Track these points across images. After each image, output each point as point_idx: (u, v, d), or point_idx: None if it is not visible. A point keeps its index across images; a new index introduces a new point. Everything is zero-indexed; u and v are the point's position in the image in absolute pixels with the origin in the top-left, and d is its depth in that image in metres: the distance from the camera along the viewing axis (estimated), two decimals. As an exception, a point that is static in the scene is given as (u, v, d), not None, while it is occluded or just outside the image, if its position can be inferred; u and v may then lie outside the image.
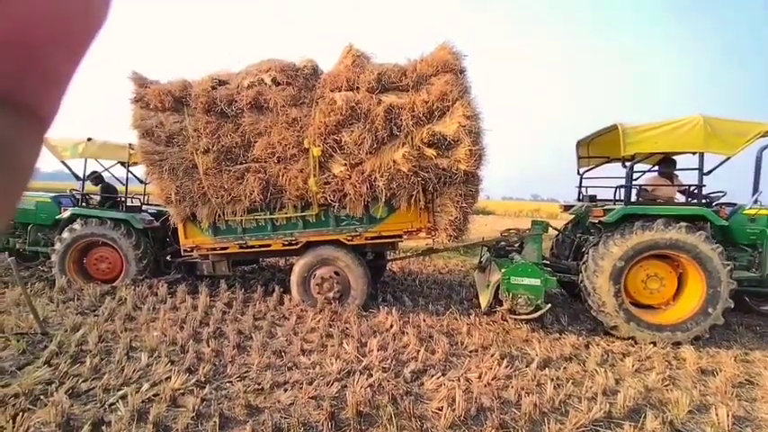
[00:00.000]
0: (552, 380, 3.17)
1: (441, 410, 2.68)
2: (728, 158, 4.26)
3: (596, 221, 4.70)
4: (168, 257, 6.20)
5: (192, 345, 3.62)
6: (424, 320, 4.51)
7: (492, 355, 3.60)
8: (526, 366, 3.46)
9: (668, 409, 2.82)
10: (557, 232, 5.86)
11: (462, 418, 2.64)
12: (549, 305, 4.18)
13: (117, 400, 2.70)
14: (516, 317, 4.23)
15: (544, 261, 5.04)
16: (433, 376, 3.20)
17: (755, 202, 4.41)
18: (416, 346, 3.74)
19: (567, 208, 5.80)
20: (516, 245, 5.40)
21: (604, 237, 4.34)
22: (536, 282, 4.11)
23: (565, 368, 3.47)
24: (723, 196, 4.74)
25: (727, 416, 2.69)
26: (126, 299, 4.94)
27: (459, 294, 5.88)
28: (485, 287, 4.65)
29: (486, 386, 3.04)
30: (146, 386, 2.89)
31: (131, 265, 5.71)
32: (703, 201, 4.45)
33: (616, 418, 2.71)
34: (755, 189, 4.39)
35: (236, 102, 4.70)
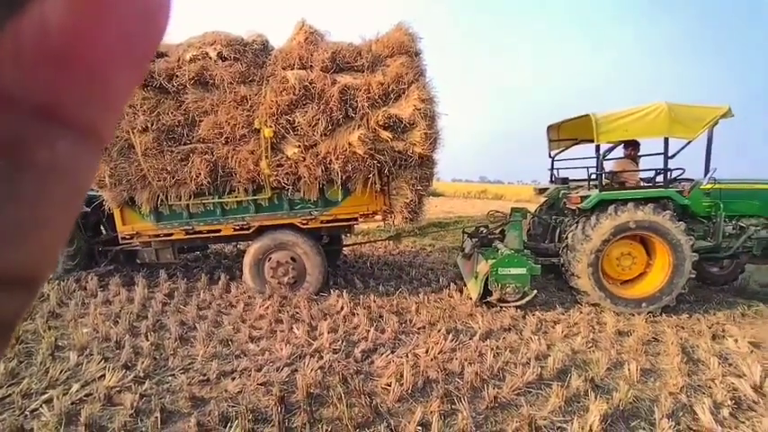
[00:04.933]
0: (492, 349, 3.41)
1: (389, 386, 2.78)
2: (690, 142, 4.62)
3: (573, 207, 4.97)
4: (104, 246, 5.69)
5: (128, 339, 3.40)
6: (375, 301, 4.60)
7: (439, 331, 3.78)
8: (470, 339, 3.68)
9: (590, 368, 3.17)
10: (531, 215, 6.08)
11: (410, 391, 2.76)
12: (536, 291, 4.45)
13: (40, 405, 2.48)
14: (506, 304, 4.45)
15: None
16: (382, 354, 3.30)
17: (710, 179, 4.82)
18: (366, 326, 3.82)
19: (541, 191, 6.06)
20: (497, 231, 5.60)
21: (583, 221, 4.64)
22: (522, 271, 4.36)
23: (504, 338, 3.75)
24: (683, 173, 5.13)
25: (637, 369, 3.08)
26: (49, 295, 4.48)
27: (408, 275, 6.05)
28: (472, 277, 4.81)
29: (432, 360, 3.19)
30: (75, 387, 2.69)
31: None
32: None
33: (546, 379, 3.00)
34: (708, 166, 4.78)
35: (177, 76, 4.33)
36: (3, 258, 0.15)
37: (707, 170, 4.76)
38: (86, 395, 2.61)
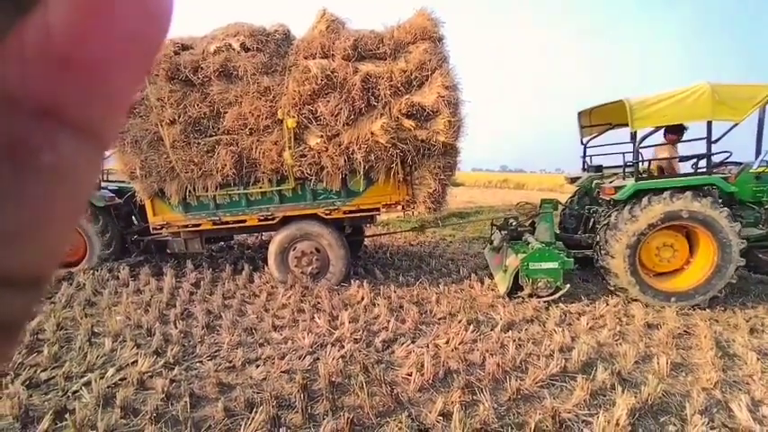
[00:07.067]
0: (514, 341, 3.36)
1: (410, 376, 2.80)
2: (736, 124, 4.22)
3: (608, 198, 4.70)
4: (136, 236, 5.94)
5: (158, 327, 3.54)
6: (395, 291, 4.61)
7: (459, 321, 3.75)
8: (491, 330, 3.64)
9: (617, 361, 3.07)
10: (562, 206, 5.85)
11: (431, 381, 2.77)
12: (569, 285, 4.31)
13: (80, 387, 2.62)
14: (538, 299, 4.33)
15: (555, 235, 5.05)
16: (403, 344, 3.31)
17: (762, 162, 4.45)
18: (387, 316, 3.84)
19: (573, 180, 5.82)
20: (527, 223, 5.45)
21: (618, 213, 4.38)
22: (554, 265, 4.24)
23: (526, 329, 3.69)
24: (729, 157, 4.79)
25: (667, 363, 2.98)
26: (84, 284, 4.73)
27: (429, 265, 6.02)
28: (501, 270, 4.71)
29: (453, 350, 3.18)
30: (111, 371, 2.83)
31: (95, 244, 5.45)
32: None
33: (571, 371, 2.94)
34: (759, 149, 4.42)
35: (202, 69, 4.40)
36: (7, 259, 0.16)
37: (758, 153, 4.42)
38: (121, 379, 2.75)
